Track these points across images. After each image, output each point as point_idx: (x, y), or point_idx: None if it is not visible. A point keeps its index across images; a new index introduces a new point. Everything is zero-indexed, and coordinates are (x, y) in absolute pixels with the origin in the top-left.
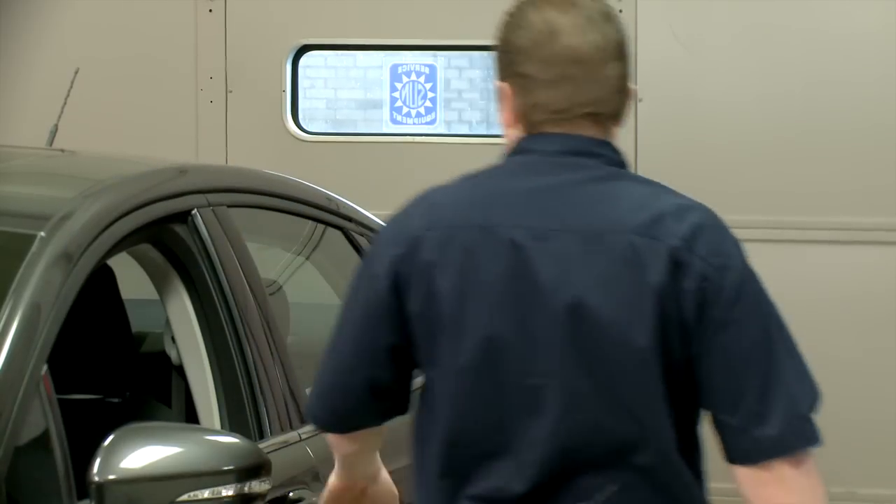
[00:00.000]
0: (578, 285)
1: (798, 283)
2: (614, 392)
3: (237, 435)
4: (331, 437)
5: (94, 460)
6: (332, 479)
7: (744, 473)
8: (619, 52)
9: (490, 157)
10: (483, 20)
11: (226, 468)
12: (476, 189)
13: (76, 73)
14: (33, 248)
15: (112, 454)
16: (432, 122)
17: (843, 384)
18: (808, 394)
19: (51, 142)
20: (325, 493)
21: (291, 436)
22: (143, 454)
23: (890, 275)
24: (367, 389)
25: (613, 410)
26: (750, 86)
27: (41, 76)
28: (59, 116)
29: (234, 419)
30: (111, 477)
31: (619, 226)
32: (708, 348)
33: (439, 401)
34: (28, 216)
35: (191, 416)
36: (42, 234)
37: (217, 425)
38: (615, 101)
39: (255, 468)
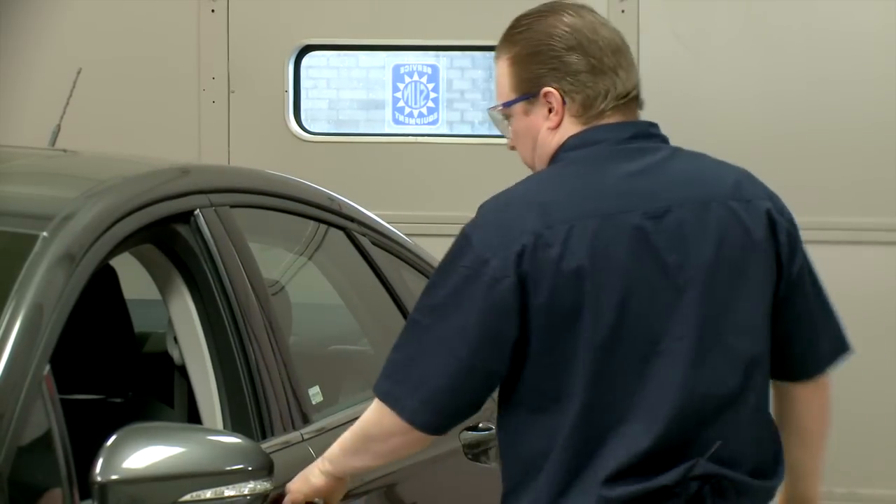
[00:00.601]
0: (697, 254)
1: None
2: (732, 347)
3: (239, 435)
4: (417, 439)
5: (97, 460)
6: (317, 479)
7: (800, 388)
8: None
9: (492, 158)
10: (485, 20)
11: (228, 468)
12: (573, 183)
13: (79, 73)
14: (36, 249)
15: (114, 454)
16: (434, 122)
17: (843, 384)
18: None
19: (53, 142)
20: (302, 493)
21: (294, 436)
22: (145, 454)
23: (890, 275)
24: (485, 386)
25: (729, 364)
26: (751, 85)
27: (43, 76)
28: (62, 116)
29: (236, 419)
30: (114, 477)
31: (714, 195)
32: (795, 291)
33: (572, 380)
34: (30, 216)
35: (193, 416)
36: (44, 234)
37: (219, 425)
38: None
39: (258, 468)
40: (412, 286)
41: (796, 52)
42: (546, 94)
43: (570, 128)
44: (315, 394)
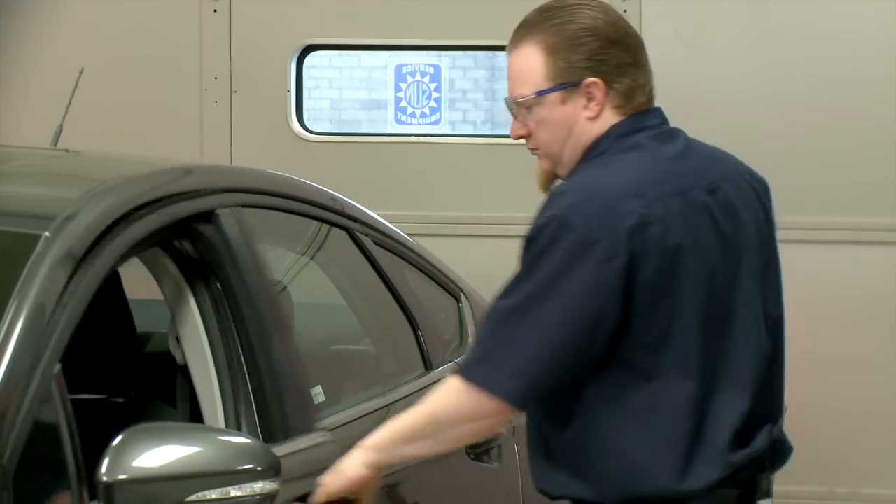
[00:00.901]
0: (743, 226)
1: (799, 283)
2: (768, 312)
3: (247, 435)
4: (504, 421)
5: (103, 460)
6: (356, 472)
7: None
8: None
9: (494, 157)
10: (487, 21)
11: (235, 468)
12: (643, 166)
13: (81, 73)
14: (38, 249)
15: (121, 454)
16: (437, 122)
17: (845, 384)
18: None
19: (55, 142)
20: (337, 486)
21: (320, 435)
22: (152, 454)
23: (891, 275)
24: (581, 364)
25: (767, 329)
26: (753, 86)
27: (45, 77)
28: (64, 116)
29: (238, 419)
30: (120, 477)
31: (736, 171)
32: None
33: (677, 354)
34: (33, 216)
35: (195, 416)
36: (46, 234)
37: (221, 426)
38: None
39: (266, 468)
40: (415, 286)
41: (798, 53)
42: (589, 85)
43: (611, 118)
44: (317, 394)
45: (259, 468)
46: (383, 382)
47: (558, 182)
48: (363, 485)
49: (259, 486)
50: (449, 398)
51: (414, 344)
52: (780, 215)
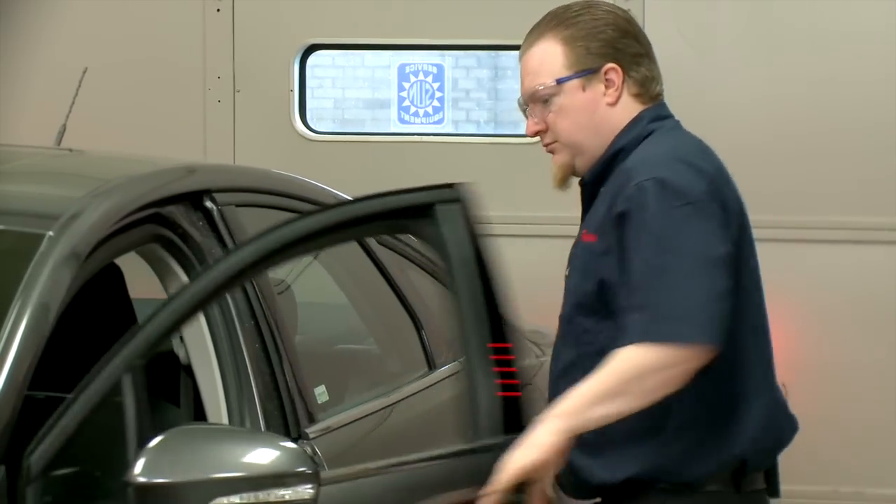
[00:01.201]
0: (747, 211)
1: (800, 283)
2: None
3: (288, 438)
4: (703, 360)
5: (137, 461)
6: (550, 439)
7: None
8: None
9: (497, 157)
10: (490, 20)
11: (280, 472)
12: (691, 140)
13: (84, 72)
14: (41, 248)
15: (158, 455)
16: (440, 121)
17: (846, 384)
18: None
19: (59, 141)
20: (530, 459)
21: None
22: (191, 456)
23: (892, 275)
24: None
25: None
26: (756, 85)
27: (47, 77)
28: (68, 116)
29: (241, 419)
30: (154, 479)
31: None
32: None
33: (751, 322)
34: (36, 216)
35: (199, 416)
36: (50, 233)
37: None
38: None
39: (305, 473)
40: (418, 285)
41: (801, 52)
42: (608, 71)
43: (631, 105)
44: (321, 393)
45: (309, 471)
46: (387, 382)
47: (574, 178)
48: (558, 453)
49: (297, 491)
50: (633, 360)
51: (417, 343)
52: (781, 214)
